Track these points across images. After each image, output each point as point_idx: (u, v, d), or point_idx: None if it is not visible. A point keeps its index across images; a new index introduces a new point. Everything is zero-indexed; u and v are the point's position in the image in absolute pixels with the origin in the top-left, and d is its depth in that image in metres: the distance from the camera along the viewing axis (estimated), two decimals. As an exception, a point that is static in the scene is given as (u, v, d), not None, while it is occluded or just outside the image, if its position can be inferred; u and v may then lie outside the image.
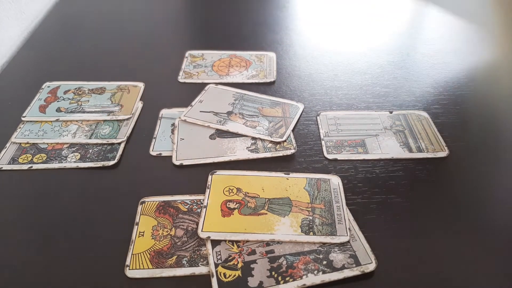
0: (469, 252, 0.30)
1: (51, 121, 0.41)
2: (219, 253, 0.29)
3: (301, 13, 0.62)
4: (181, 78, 0.48)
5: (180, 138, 0.39)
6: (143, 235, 0.31)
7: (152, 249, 0.30)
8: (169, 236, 0.31)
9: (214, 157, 0.37)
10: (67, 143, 0.39)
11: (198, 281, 0.28)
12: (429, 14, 0.62)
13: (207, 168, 0.36)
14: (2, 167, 0.37)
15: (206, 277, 0.28)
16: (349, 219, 0.32)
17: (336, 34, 0.56)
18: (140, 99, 0.44)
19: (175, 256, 0.29)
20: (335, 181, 0.35)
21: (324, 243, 0.30)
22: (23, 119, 0.41)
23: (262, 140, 0.39)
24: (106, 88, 0.46)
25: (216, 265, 0.29)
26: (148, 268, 0.29)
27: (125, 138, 0.39)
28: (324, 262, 0.29)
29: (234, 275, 0.28)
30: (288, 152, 0.38)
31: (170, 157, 0.37)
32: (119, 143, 0.39)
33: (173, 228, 0.31)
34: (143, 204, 0.33)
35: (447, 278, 0.28)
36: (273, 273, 0.28)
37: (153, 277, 0.28)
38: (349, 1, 0.64)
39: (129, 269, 0.29)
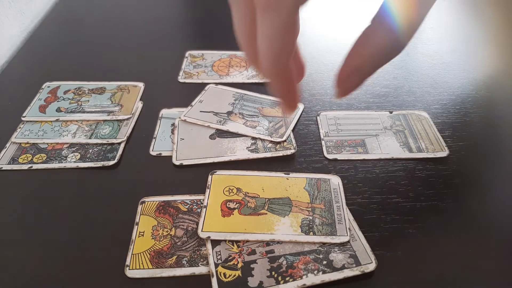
0: (470, 252, 0.30)
1: (51, 121, 0.41)
2: (219, 253, 0.29)
3: (301, 13, 0.62)
4: (181, 78, 0.48)
5: (180, 138, 0.39)
6: (143, 235, 0.31)
7: (152, 249, 0.30)
8: (169, 236, 0.31)
9: (214, 157, 0.37)
10: (67, 143, 0.39)
11: (198, 281, 0.28)
12: (429, 14, 0.62)
13: (207, 168, 0.36)
14: (2, 167, 0.37)
15: (206, 277, 0.28)
16: (349, 219, 0.32)
17: (336, 34, 0.56)
18: (140, 99, 0.44)
19: (175, 256, 0.29)
20: (335, 181, 0.35)
21: (324, 243, 0.30)
22: (23, 119, 0.41)
23: (262, 140, 0.39)
24: (106, 88, 0.46)
25: (216, 265, 0.29)
26: (148, 268, 0.29)
27: (125, 138, 0.39)
28: (324, 262, 0.29)
29: (234, 275, 0.28)
30: (288, 152, 0.38)
31: (170, 157, 0.37)
32: (119, 143, 0.39)
33: (173, 228, 0.31)
34: (143, 204, 0.33)
35: (447, 278, 0.28)
36: (273, 273, 0.28)
37: (153, 277, 0.28)
38: (349, 1, 0.64)
39: (129, 269, 0.29)
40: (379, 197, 0.34)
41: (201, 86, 0.46)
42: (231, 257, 0.29)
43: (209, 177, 0.35)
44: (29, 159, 0.37)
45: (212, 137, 0.39)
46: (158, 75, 0.48)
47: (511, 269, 0.29)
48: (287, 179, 0.35)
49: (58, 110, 0.42)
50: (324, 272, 0.28)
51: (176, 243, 0.30)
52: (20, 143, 0.39)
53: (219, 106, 0.43)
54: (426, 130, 0.40)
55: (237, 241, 0.30)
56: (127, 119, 0.42)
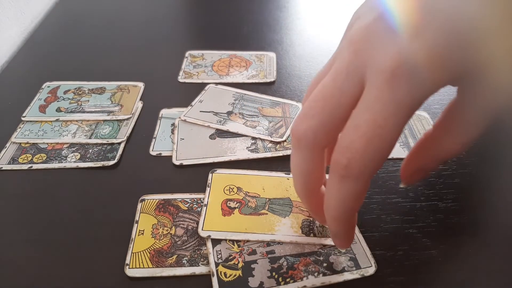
0: (470, 252, 0.30)
1: (51, 121, 0.41)
2: (219, 252, 0.29)
3: (301, 13, 0.62)
4: (181, 78, 0.48)
5: (180, 138, 0.39)
6: (143, 233, 0.31)
7: (152, 248, 0.30)
8: (169, 235, 0.31)
9: (214, 157, 0.37)
10: (67, 143, 0.39)
11: (199, 280, 0.28)
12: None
13: (207, 168, 0.36)
14: (2, 167, 0.37)
15: (207, 277, 0.28)
16: (349, 219, 0.32)
17: (336, 34, 0.56)
18: (140, 99, 0.44)
19: (175, 255, 0.29)
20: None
21: (324, 245, 0.30)
22: (23, 119, 0.41)
23: (262, 140, 0.39)
24: (106, 88, 0.46)
25: (217, 265, 0.28)
26: (148, 267, 0.29)
27: (125, 138, 0.39)
28: (325, 264, 0.29)
29: (235, 275, 0.28)
30: (288, 152, 0.38)
31: (170, 157, 0.37)
32: (119, 143, 0.39)
33: (173, 227, 0.31)
34: (143, 202, 0.33)
35: (448, 278, 0.28)
36: (274, 273, 0.28)
37: (153, 276, 0.28)
38: (350, 1, 0.64)
39: (129, 268, 0.29)
40: (379, 197, 0.34)
41: (201, 86, 0.46)
42: (231, 257, 0.29)
43: (210, 175, 0.35)
44: (29, 159, 0.37)
45: (212, 137, 0.39)
46: (158, 75, 0.48)
47: (511, 269, 0.29)
48: (288, 179, 0.35)
49: (58, 110, 0.42)
50: (324, 274, 0.28)
51: (176, 242, 0.30)
52: (20, 143, 0.39)
53: (219, 106, 0.43)
54: (426, 130, 0.40)
55: (237, 241, 0.30)
56: (127, 119, 0.42)
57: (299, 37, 0.56)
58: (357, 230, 0.31)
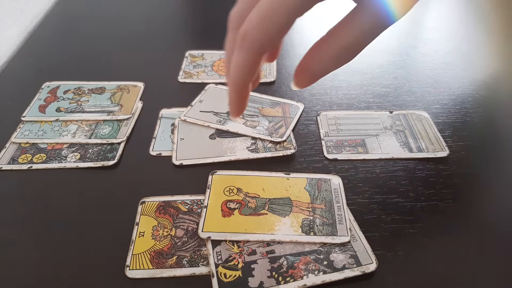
0: (470, 252, 0.30)
1: (51, 121, 0.41)
2: (219, 253, 0.29)
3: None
4: (181, 78, 0.48)
5: (180, 138, 0.39)
6: (143, 235, 0.31)
7: (152, 249, 0.30)
8: (169, 236, 0.31)
9: (214, 157, 0.37)
10: (67, 143, 0.39)
11: (199, 281, 0.28)
12: (429, 13, 0.62)
13: (207, 168, 0.36)
14: (1, 167, 0.37)
15: (207, 278, 0.28)
16: (349, 219, 0.32)
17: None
18: (140, 99, 0.44)
19: (175, 257, 0.29)
20: (336, 181, 0.35)
21: (324, 243, 0.30)
22: (23, 119, 0.41)
23: (262, 140, 0.39)
24: (106, 88, 0.46)
25: (217, 265, 0.28)
26: (149, 269, 0.29)
27: (125, 138, 0.39)
28: (325, 263, 0.29)
29: (235, 275, 0.28)
30: (288, 152, 0.38)
31: (170, 157, 0.37)
32: (119, 143, 0.39)
33: (173, 228, 0.31)
34: (143, 204, 0.33)
35: (448, 278, 0.28)
36: (274, 273, 0.28)
37: (153, 277, 0.28)
38: (350, 1, 0.64)
39: (129, 269, 0.29)
40: (379, 197, 0.34)
41: (201, 86, 0.46)
42: (231, 257, 0.29)
43: (210, 177, 0.35)
44: (29, 159, 0.37)
45: (212, 137, 0.39)
46: (158, 75, 0.48)
47: (511, 269, 0.29)
48: (288, 179, 0.35)
49: (58, 110, 0.42)
50: (324, 272, 0.28)
51: (176, 243, 0.30)
52: (20, 143, 0.39)
53: (219, 106, 0.43)
54: (426, 130, 0.40)
55: (237, 241, 0.30)
56: (127, 119, 0.42)
57: (299, 37, 0.55)
58: (357, 228, 0.31)
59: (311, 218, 0.32)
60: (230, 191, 0.34)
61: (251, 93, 0.44)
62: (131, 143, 0.39)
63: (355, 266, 0.29)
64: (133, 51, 0.53)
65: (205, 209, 0.32)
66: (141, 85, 0.46)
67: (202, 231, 0.31)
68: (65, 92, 0.45)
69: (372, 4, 0.24)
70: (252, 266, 0.29)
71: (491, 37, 0.57)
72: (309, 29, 0.58)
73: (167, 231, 0.31)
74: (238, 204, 0.33)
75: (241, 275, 0.28)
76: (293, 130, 0.40)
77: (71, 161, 0.37)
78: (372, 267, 0.28)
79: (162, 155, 0.38)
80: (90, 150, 0.38)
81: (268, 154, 0.37)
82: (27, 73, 0.50)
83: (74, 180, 0.36)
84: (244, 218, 0.32)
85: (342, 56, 0.26)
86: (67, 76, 0.48)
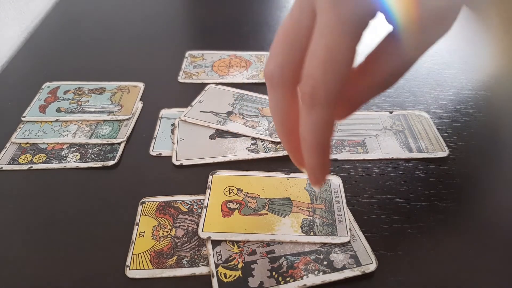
0: (470, 252, 0.30)
1: (51, 121, 0.41)
2: (219, 253, 0.29)
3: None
4: (181, 78, 0.48)
5: (180, 138, 0.39)
6: (143, 235, 0.31)
7: (153, 250, 0.30)
8: (170, 236, 0.31)
9: (214, 157, 0.37)
10: (67, 143, 0.39)
11: (199, 281, 0.28)
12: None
13: (207, 168, 0.36)
14: (2, 167, 0.37)
15: (207, 278, 0.28)
16: (349, 219, 0.32)
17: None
18: (140, 99, 0.44)
19: (176, 257, 0.29)
20: (336, 181, 0.35)
21: (324, 244, 0.30)
22: (23, 119, 0.41)
23: (262, 140, 0.39)
24: (106, 88, 0.46)
25: (217, 266, 0.29)
26: (149, 269, 0.29)
27: (125, 138, 0.39)
28: (325, 263, 0.29)
29: (235, 276, 0.28)
30: (288, 152, 0.38)
31: (170, 157, 0.37)
32: (119, 143, 0.39)
33: (174, 228, 0.31)
34: (143, 205, 0.33)
35: (448, 278, 0.28)
36: (274, 273, 0.28)
37: (153, 277, 0.28)
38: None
39: (129, 269, 0.29)
40: (379, 197, 0.34)
41: (201, 86, 0.46)
42: (231, 258, 0.29)
43: (210, 177, 0.35)
44: (29, 159, 0.37)
45: (212, 137, 0.39)
46: (158, 75, 0.48)
47: (511, 269, 0.29)
48: (288, 179, 0.35)
49: (58, 110, 0.42)
50: (324, 272, 0.28)
51: (176, 244, 0.30)
52: (20, 143, 0.39)
53: (219, 106, 0.43)
54: (426, 130, 0.40)
55: (237, 242, 0.30)
56: (127, 119, 0.42)
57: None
58: (357, 228, 0.31)
59: (311, 218, 0.32)
60: (230, 191, 0.34)
61: (251, 93, 0.45)
62: (131, 143, 0.39)
63: (355, 266, 0.29)
64: (133, 52, 0.53)
65: (205, 209, 0.32)
66: (141, 85, 0.46)
67: (202, 231, 0.31)
68: (65, 93, 0.45)
69: (416, 26, 0.23)
70: (252, 266, 0.29)
71: (491, 37, 0.57)
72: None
73: (167, 231, 0.31)
74: (238, 204, 0.33)
75: (241, 275, 0.28)
76: (293, 130, 0.40)
77: (71, 161, 0.37)
78: (372, 267, 0.29)
79: (162, 155, 0.38)
80: (90, 150, 0.38)
81: (268, 154, 0.37)
82: (27, 73, 0.50)
83: (74, 180, 0.36)
84: (244, 218, 0.32)
85: (387, 82, 0.25)
86: (67, 76, 0.48)
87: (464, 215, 0.33)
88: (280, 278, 0.28)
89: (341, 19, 0.20)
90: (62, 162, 0.37)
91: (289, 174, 0.35)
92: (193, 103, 0.43)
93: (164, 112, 0.43)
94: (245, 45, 0.53)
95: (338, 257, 0.29)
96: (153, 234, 0.31)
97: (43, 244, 0.31)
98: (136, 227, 0.31)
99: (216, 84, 0.46)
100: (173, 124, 0.41)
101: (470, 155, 0.38)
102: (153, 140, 0.39)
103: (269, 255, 0.29)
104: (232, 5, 0.64)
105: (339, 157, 0.37)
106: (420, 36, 0.23)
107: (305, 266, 0.29)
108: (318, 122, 0.22)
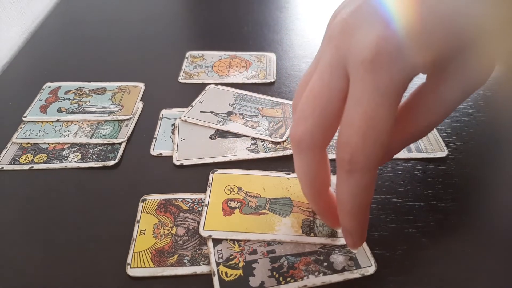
0: (469, 252, 0.30)
1: (52, 121, 0.41)
2: (220, 252, 0.29)
3: (301, 14, 0.62)
4: (181, 79, 0.48)
5: (180, 138, 0.39)
6: (144, 233, 0.31)
7: (153, 248, 0.30)
8: (170, 234, 0.31)
9: (214, 157, 0.37)
10: (68, 143, 0.39)
11: (200, 280, 0.28)
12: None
13: (208, 168, 0.36)
14: (3, 167, 0.37)
15: (208, 276, 0.28)
16: (349, 219, 0.32)
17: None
18: (141, 100, 0.44)
19: (177, 255, 0.30)
20: (335, 181, 0.35)
21: (324, 245, 0.30)
22: (24, 119, 0.42)
23: (262, 140, 0.39)
24: (106, 89, 0.46)
25: (218, 264, 0.29)
26: (149, 267, 0.29)
27: (126, 138, 0.39)
28: (325, 264, 0.29)
29: (236, 274, 0.28)
30: (288, 152, 0.38)
31: (171, 157, 0.38)
32: (120, 143, 0.39)
33: (174, 226, 0.31)
34: (144, 202, 0.33)
35: (447, 278, 0.29)
36: (274, 273, 0.28)
37: (154, 275, 0.28)
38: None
39: (130, 267, 0.29)
40: (378, 197, 0.34)
41: (201, 87, 0.46)
42: (232, 256, 0.29)
43: (210, 175, 0.35)
44: (30, 159, 0.37)
45: (212, 137, 0.40)
46: (159, 75, 0.48)
47: (511, 269, 0.29)
48: (288, 179, 0.35)
49: (59, 110, 0.43)
50: (324, 273, 0.28)
51: (177, 242, 0.30)
52: (21, 143, 0.39)
53: (219, 106, 0.43)
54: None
55: (238, 240, 0.30)
56: (128, 119, 0.42)
57: (299, 38, 0.56)
58: (356, 229, 0.31)
59: (311, 219, 0.32)
60: (231, 190, 0.34)
61: (251, 94, 0.45)
62: (132, 143, 0.39)
63: (354, 268, 0.29)
64: (133, 52, 0.53)
65: (206, 207, 0.32)
66: (141, 85, 0.46)
67: (203, 229, 0.31)
68: (66, 93, 0.45)
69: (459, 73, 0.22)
70: (253, 265, 0.29)
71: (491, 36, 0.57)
72: (310, 30, 0.58)
73: (168, 230, 0.31)
74: (238, 203, 0.33)
75: (242, 274, 0.28)
76: (293, 131, 0.40)
77: (72, 161, 0.37)
78: (371, 270, 0.29)
79: (162, 155, 0.38)
80: (91, 150, 0.38)
81: (268, 154, 0.38)
82: (28, 73, 0.50)
83: (75, 180, 0.36)
84: (245, 217, 0.32)
85: (422, 133, 0.25)
86: (68, 77, 0.48)
87: (463, 214, 0.33)
88: (280, 278, 0.28)
89: (379, 88, 0.19)
90: (63, 162, 0.37)
91: (289, 174, 0.36)
92: (193, 103, 0.43)
93: (164, 112, 0.43)
94: (245, 46, 0.53)
95: (338, 259, 0.29)
96: (154, 232, 0.31)
97: (44, 243, 0.31)
98: (137, 225, 0.32)
99: (216, 84, 0.46)
100: (173, 124, 0.41)
101: (469, 155, 0.38)
102: (154, 140, 0.40)
103: (270, 255, 0.29)
104: (232, 5, 0.64)
105: (339, 157, 0.38)
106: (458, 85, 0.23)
107: (305, 266, 0.29)
108: (357, 186, 0.22)
